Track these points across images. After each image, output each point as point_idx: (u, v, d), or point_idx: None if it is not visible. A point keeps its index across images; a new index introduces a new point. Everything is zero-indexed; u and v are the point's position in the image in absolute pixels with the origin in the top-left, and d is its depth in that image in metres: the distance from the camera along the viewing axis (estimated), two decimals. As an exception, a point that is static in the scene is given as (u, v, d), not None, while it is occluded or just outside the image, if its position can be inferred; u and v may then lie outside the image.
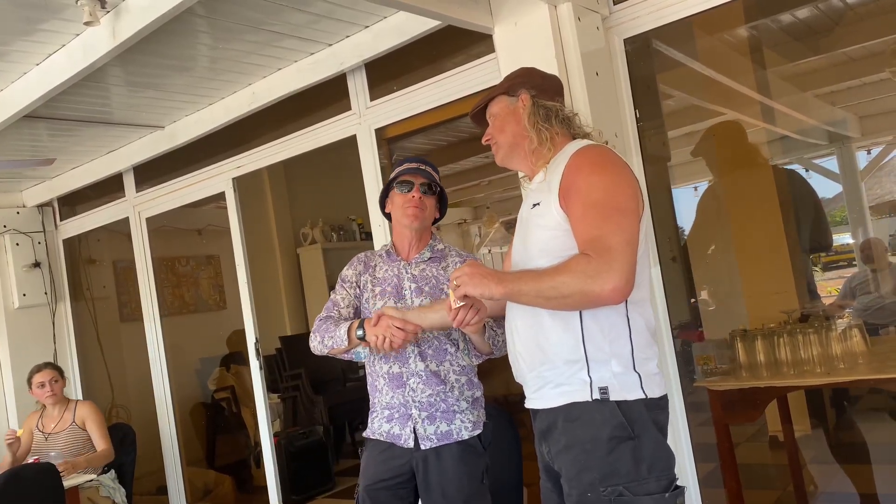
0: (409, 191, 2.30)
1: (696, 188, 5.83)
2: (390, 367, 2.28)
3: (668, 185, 3.44)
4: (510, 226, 8.79)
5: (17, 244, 5.30)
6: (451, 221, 9.01)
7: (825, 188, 5.24)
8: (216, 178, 4.47)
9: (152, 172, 4.86)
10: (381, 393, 2.31)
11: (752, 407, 2.83)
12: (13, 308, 5.30)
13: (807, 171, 4.99)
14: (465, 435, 2.22)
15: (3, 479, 3.27)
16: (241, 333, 4.47)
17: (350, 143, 3.78)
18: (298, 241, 7.07)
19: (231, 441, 5.66)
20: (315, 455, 5.03)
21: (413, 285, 2.30)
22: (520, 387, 1.92)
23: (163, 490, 5.11)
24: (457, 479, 2.19)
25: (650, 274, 1.85)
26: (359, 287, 2.38)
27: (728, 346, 3.07)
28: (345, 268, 2.46)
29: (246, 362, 4.53)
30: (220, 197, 4.53)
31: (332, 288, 6.89)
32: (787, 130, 4.78)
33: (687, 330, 3.29)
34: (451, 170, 6.96)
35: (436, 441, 2.21)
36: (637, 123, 3.00)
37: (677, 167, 3.86)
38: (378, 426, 2.30)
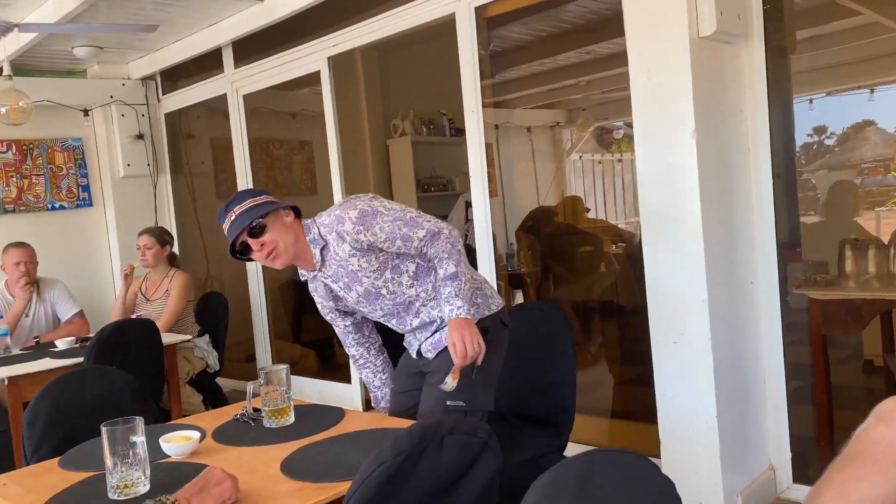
0: (250, 251, 2.13)
1: (811, 101, 5.37)
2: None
3: (789, 81, 3.16)
4: (605, 132, 8.48)
5: (123, 115, 5.49)
6: (543, 124, 8.75)
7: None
8: (312, 57, 4.45)
9: (250, 49, 4.88)
10: None
11: (854, 319, 2.68)
12: (119, 177, 5.56)
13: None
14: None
15: (110, 329, 3.50)
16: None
17: (447, 32, 3.66)
18: (388, 132, 7.04)
19: (316, 319, 5.85)
20: (393, 332, 5.16)
21: (337, 285, 2.21)
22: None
23: (251, 359, 5.40)
24: (440, 375, 2.16)
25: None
26: (331, 305, 2.33)
27: (824, 267, 2.91)
28: (317, 306, 2.40)
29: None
30: (315, 80, 4.51)
31: (419, 182, 6.84)
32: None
33: (787, 248, 3.13)
34: (546, 66, 6.67)
35: (433, 351, 2.24)
36: (763, 6, 2.74)
37: (795, 75, 3.54)
38: (407, 336, 2.38)
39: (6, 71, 4.00)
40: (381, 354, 2.44)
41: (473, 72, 3.59)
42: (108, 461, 1.63)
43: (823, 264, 3.09)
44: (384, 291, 2.17)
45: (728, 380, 2.70)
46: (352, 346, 2.41)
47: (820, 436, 2.93)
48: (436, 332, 2.23)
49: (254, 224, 2.08)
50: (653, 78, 2.57)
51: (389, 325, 2.31)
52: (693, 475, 2.67)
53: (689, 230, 2.60)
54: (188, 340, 4.25)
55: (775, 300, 2.83)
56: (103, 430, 1.63)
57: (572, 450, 1.23)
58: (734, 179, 2.80)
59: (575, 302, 4.85)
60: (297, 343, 5.59)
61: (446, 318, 2.05)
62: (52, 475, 1.84)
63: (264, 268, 5.27)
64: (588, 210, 7.25)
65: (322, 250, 2.16)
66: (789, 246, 3.06)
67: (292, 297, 5.68)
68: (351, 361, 2.45)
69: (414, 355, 2.32)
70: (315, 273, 2.23)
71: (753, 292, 2.87)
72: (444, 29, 3.74)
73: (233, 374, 5.13)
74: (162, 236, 4.48)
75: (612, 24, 2.98)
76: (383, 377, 2.43)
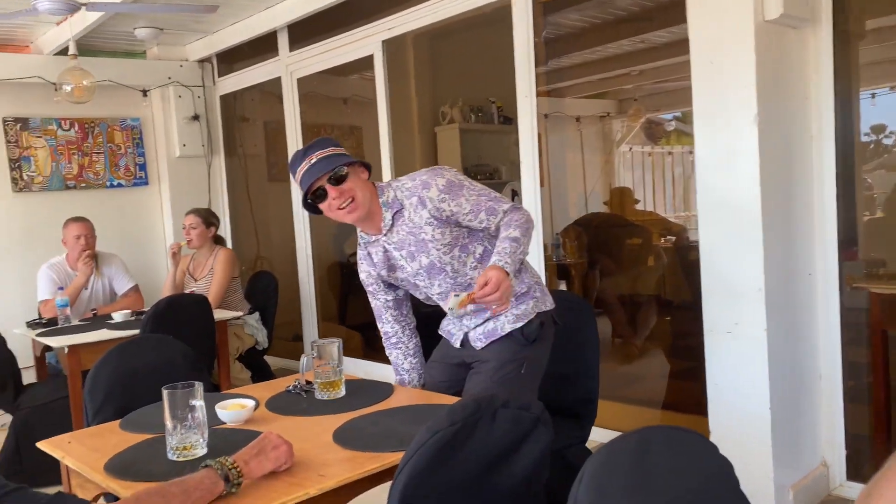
0: (325, 199, 2.07)
1: (873, 95, 5.15)
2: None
3: (856, 71, 3.05)
4: (656, 124, 8.32)
5: (180, 96, 5.61)
6: (593, 114, 8.63)
7: None
8: (366, 40, 4.48)
9: (305, 33, 4.93)
10: None
11: (919, 314, 2.60)
12: (174, 157, 5.69)
13: None
14: (508, 328, 2.18)
15: (164, 302, 3.60)
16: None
17: (499, 18, 3.64)
18: (437, 119, 7.05)
19: (361, 302, 5.90)
20: (438, 321, 5.18)
21: (400, 254, 2.17)
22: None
23: (298, 338, 5.49)
24: (490, 365, 2.17)
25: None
26: (381, 275, 2.28)
27: (882, 265, 2.82)
28: (360, 274, 2.34)
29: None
30: (366, 66, 4.54)
31: (465, 170, 6.87)
32: None
33: (844, 247, 3.03)
34: (598, 54, 6.58)
35: (484, 340, 2.20)
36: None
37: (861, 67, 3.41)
38: (445, 324, 2.36)
39: (72, 50, 4.12)
40: (414, 337, 2.40)
41: (528, 58, 3.57)
42: (168, 423, 1.67)
43: (881, 262, 3.00)
44: (448, 268, 2.16)
45: (782, 372, 2.64)
46: (387, 323, 2.37)
47: (876, 434, 2.85)
48: (488, 320, 2.20)
49: (337, 170, 2.04)
50: (714, 62, 2.52)
51: (441, 305, 2.31)
52: (744, 467, 2.60)
53: (747, 216, 2.55)
54: (239, 317, 4.33)
55: (834, 293, 2.76)
56: (164, 392, 1.67)
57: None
58: (795, 167, 2.73)
59: (621, 294, 4.80)
60: (343, 325, 5.66)
61: (490, 263, 1.96)
62: (114, 436, 1.90)
63: (314, 249, 5.34)
64: (637, 202, 7.15)
65: (395, 215, 2.14)
66: (845, 244, 2.96)
67: (339, 280, 5.75)
68: (383, 339, 2.41)
69: (457, 345, 2.28)
70: (378, 237, 2.20)
71: (811, 284, 2.80)
72: (496, 15, 3.72)
73: (280, 352, 5.22)
74: (208, 217, 4.55)
75: (669, 10, 2.91)
76: (413, 361, 2.39)
